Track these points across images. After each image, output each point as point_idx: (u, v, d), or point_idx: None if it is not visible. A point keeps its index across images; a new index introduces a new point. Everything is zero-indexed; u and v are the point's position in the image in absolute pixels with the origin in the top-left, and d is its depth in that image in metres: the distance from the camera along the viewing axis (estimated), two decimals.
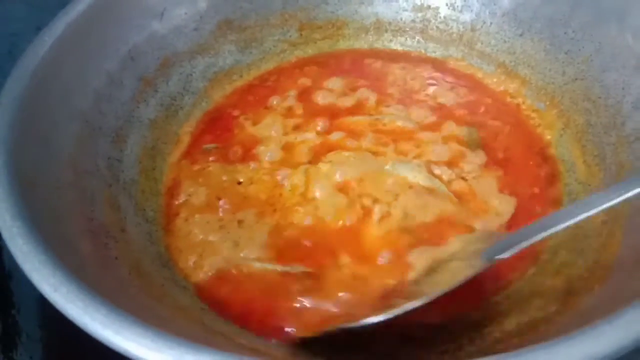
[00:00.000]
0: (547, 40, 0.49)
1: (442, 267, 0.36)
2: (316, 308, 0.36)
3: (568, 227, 0.31)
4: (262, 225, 0.41)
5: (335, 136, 0.47)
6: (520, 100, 0.50)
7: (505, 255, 0.33)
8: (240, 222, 0.41)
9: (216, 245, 0.40)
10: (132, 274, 0.34)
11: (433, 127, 0.47)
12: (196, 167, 0.46)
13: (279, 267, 0.38)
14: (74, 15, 0.41)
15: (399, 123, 0.47)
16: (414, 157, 0.44)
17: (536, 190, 0.43)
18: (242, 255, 0.39)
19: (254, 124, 0.49)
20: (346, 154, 0.44)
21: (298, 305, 0.36)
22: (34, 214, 0.29)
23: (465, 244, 0.38)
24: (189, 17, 0.50)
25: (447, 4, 0.54)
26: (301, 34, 0.56)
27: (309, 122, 0.48)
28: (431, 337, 0.34)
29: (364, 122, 0.48)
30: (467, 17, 0.54)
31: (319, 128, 0.48)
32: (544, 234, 0.32)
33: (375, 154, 0.44)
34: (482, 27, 0.53)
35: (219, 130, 0.49)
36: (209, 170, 0.45)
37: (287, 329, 0.35)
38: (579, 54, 0.46)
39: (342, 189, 0.42)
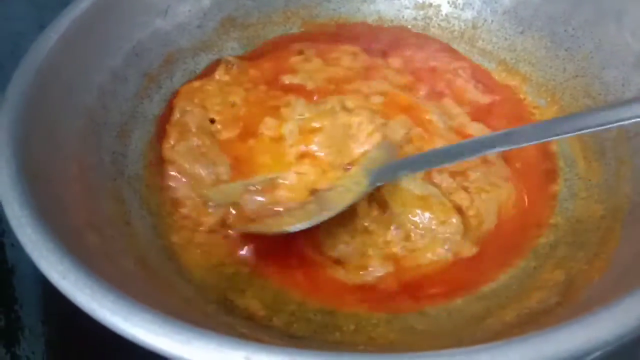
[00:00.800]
0: (547, 37, 0.49)
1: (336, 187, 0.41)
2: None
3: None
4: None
5: (376, 99, 0.47)
6: (521, 97, 0.50)
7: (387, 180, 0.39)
8: (222, 143, 0.44)
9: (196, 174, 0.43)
10: (138, 266, 0.34)
11: (459, 130, 0.46)
12: (197, 84, 0.48)
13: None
14: (79, 11, 0.41)
15: (432, 118, 0.46)
16: None
17: (537, 188, 0.43)
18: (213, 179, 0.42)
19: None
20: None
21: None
22: (41, 205, 0.29)
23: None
24: (193, 14, 0.50)
25: (448, 2, 0.55)
26: (303, 32, 0.56)
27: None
28: (432, 328, 0.35)
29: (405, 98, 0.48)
30: (468, 14, 0.54)
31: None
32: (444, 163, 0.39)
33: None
34: (483, 24, 0.53)
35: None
36: (207, 89, 0.47)
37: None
38: (579, 51, 0.46)
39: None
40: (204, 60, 0.51)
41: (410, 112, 0.46)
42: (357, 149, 0.43)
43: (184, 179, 0.42)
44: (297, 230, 0.37)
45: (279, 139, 0.44)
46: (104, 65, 0.43)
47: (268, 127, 0.45)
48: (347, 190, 0.40)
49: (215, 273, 0.38)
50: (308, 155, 0.43)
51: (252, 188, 0.41)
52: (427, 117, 0.46)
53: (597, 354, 0.27)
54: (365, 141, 0.43)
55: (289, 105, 0.46)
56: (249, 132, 0.45)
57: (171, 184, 0.42)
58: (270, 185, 0.41)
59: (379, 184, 0.39)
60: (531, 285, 0.36)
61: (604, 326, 0.23)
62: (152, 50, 0.47)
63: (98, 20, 0.43)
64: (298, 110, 0.45)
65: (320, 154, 0.43)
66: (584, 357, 0.23)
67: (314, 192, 0.41)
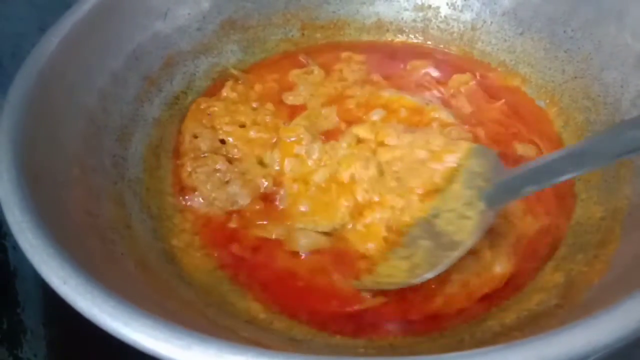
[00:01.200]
0: (547, 39, 0.49)
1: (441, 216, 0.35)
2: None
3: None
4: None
5: (376, 115, 0.46)
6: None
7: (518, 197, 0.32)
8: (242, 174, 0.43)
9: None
10: (138, 269, 0.34)
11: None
12: (203, 105, 0.48)
13: None
14: (80, 14, 0.41)
15: (441, 115, 0.46)
16: None
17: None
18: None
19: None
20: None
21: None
22: (41, 210, 0.29)
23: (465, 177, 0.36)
24: (192, 17, 0.50)
25: (447, 4, 0.55)
26: (303, 34, 0.56)
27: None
28: (432, 330, 0.35)
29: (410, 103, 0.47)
30: (467, 16, 0.54)
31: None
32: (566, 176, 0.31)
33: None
34: (482, 26, 0.53)
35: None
36: (214, 110, 0.47)
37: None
38: (578, 52, 0.46)
39: None
40: (204, 63, 0.51)
41: (418, 116, 0.46)
42: (438, 167, 0.38)
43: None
44: (425, 280, 0.33)
45: (308, 183, 0.42)
46: (105, 68, 0.43)
47: (292, 169, 0.43)
48: (460, 216, 0.34)
49: (216, 276, 0.38)
50: (370, 206, 0.39)
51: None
52: (436, 114, 0.46)
53: (596, 356, 0.27)
54: (443, 156, 0.39)
55: (301, 142, 0.44)
56: (271, 172, 0.44)
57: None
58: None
59: (499, 206, 0.34)
60: (531, 288, 0.36)
61: (604, 329, 0.23)
62: (152, 53, 0.47)
63: (99, 23, 0.43)
64: (315, 155, 0.43)
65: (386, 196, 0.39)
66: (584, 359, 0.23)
67: (397, 231, 0.37)
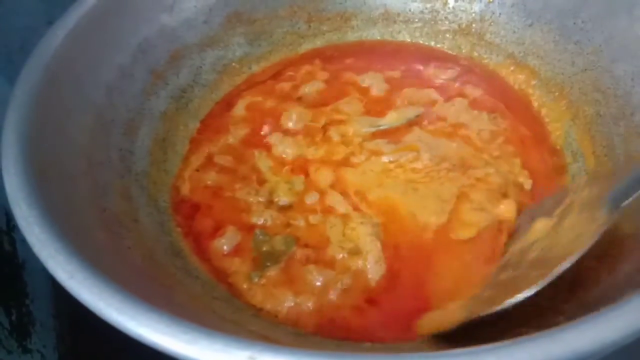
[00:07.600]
0: (556, 30, 0.48)
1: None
2: None
3: None
4: None
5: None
6: (529, 91, 0.50)
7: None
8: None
9: None
10: (145, 263, 0.34)
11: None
12: None
13: None
14: (86, 8, 0.41)
15: None
16: None
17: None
18: None
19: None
20: None
21: None
22: (49, 204, 0.30)
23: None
24: (199, 10, 0.50)
25: None
26: (310, 26, 0.56)
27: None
28: None
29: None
30: (476, 7, 0.54)
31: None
32: None
33: None
34: (491, 17, 0.53)
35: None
36: None
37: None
38: (588, 44, 0.46)
39: None
40: (210, 56, 0.51)
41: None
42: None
43: None
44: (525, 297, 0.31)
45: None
46: (112, 62, 0.43)
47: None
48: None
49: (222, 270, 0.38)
50: None
51: None
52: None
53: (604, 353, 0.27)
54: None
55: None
56: None
57: None
58: None
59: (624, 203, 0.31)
60: None
61: (612, 325, 0.23)
62: (159, 46, 0.47)
63: (105, 17, 0.43)
64: None
65: None
66: (592, 357, 0.23)
67: None
